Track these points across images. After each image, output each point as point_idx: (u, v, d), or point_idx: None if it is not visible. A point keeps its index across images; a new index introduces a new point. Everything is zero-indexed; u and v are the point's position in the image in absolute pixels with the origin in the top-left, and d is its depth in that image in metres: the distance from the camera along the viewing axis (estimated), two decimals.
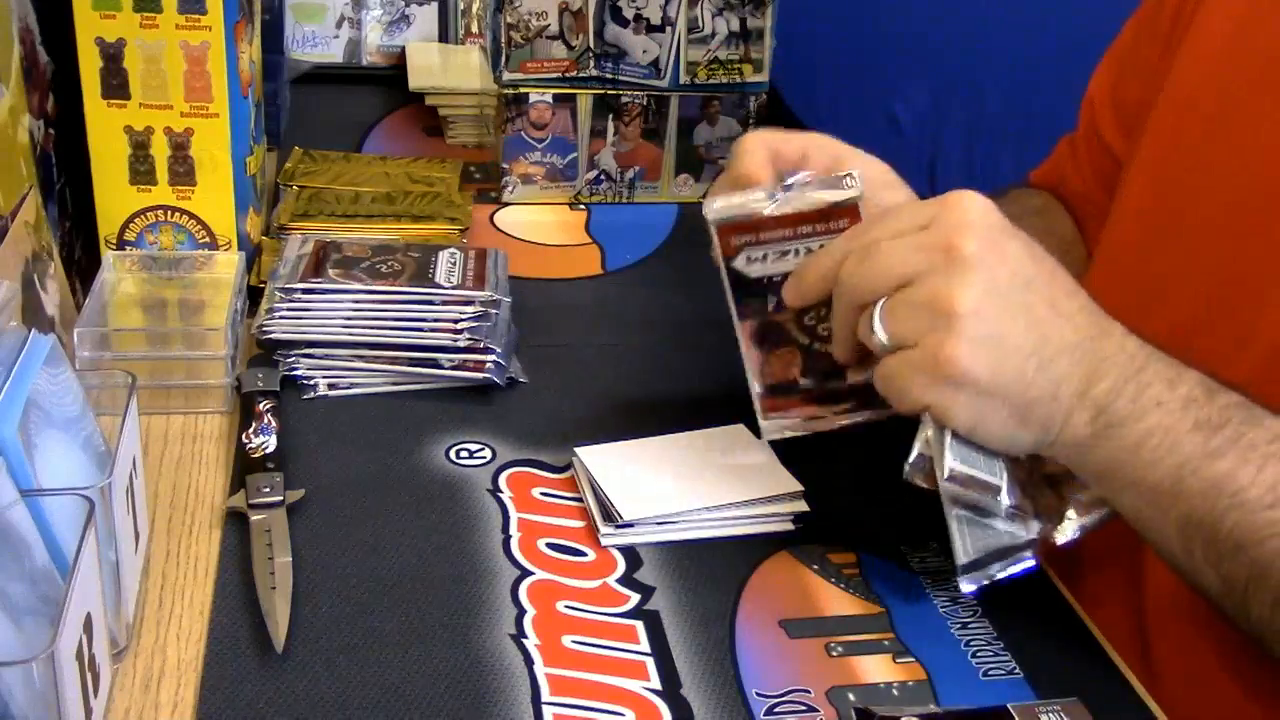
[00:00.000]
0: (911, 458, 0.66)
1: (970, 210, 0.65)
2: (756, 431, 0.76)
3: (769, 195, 0.71)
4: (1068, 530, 0.68)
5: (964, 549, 0.66)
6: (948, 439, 0.65)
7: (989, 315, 0.63)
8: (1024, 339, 0.64)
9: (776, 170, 0.74)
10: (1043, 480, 0.70)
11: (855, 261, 0.66)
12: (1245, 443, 0.63)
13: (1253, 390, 0.66)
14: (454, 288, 0.90)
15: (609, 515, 0.74)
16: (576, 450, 0.79)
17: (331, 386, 0.86)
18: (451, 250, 0.95)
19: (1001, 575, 0.67)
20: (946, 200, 0.65)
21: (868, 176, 0.73)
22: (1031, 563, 0.67)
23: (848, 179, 0.71)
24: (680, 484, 0.77)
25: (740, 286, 0.73)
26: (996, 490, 0.66)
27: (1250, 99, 0.78)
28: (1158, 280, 0.81)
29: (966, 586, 0.67)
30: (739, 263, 0.72)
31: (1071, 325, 0.65)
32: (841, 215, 0.70)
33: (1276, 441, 0.64)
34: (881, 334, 0.65)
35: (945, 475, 0.65)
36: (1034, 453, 0.67)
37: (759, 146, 0.75)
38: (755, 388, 0.74)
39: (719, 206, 0.72)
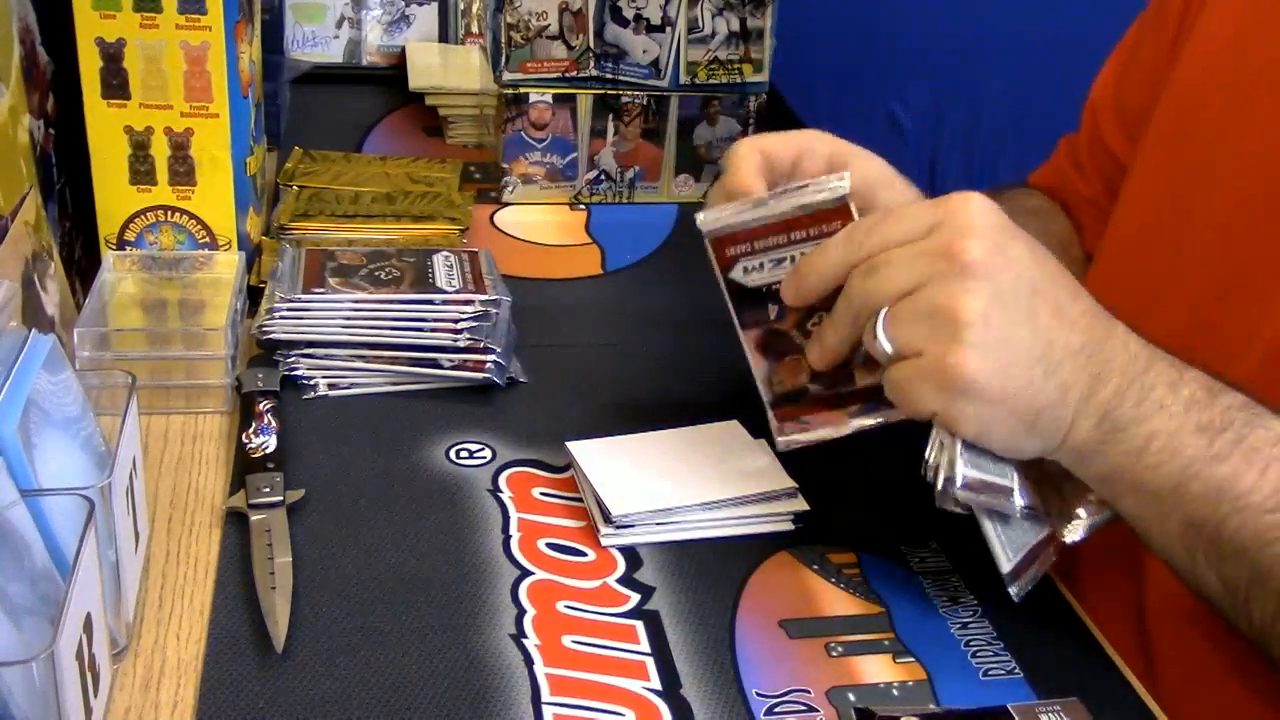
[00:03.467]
0: (929, 465, 0.66)
1: (973, 213, 0.64)
2: (763, 437, 0.76)
3: (756, 203, 0.70)
4: (1077, 529, 0.69)
5: (1005, 555, 0.66)
6: (959, 446, 0.65)
7: (995, 322, 0.62)
8: (1030, 345, 0.63)
9: (771, 177, 0.73)
10: (1047, 478, 0.69)
11: (861, 276, 0.66)
12: (1248, 445, 0.63)
13: (1255, 390, 0.65)
14: (456, 291, 0.90)
15: (604, 513, 0.74)
16: (569, 445, 0.79)
17: (331, 386, 0.86)
18: (445, 254, 0.95)
19: (1039, 576, 0.68)
20: (949, 203, 0.64)
21: (867, 175, 0.72)
22: (1053, 559, 0.68)
23: (835, 180, 0.70)
24: (672, 480, 0.77)
25: (740, 297, 0.72)
26: (1009, 492, 0.66)
27: (1254, 100, 0.78)
28: (1161, 280, 0.81)
29: (1016, 591, 0.67)
30: (736, 274, 0.71)
31: (1077, 329, 0.64)
32: (834, 217, 0.69)
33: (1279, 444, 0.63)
34: (885, 343, 0.64)
35: (959, 483, 0.65)
36: (1040, 457, 0.67)
37: (751, 153, 0.74)
38: (765, 397, 0.73)
39: (708, 218, 0.71)
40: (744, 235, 0.71)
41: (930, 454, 0.66)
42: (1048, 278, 0.65)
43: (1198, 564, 0.65)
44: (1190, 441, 0.63)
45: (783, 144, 0.74)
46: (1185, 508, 0.64)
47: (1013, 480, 0.66)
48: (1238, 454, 0.63)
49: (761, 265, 0.71)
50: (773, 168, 0.74)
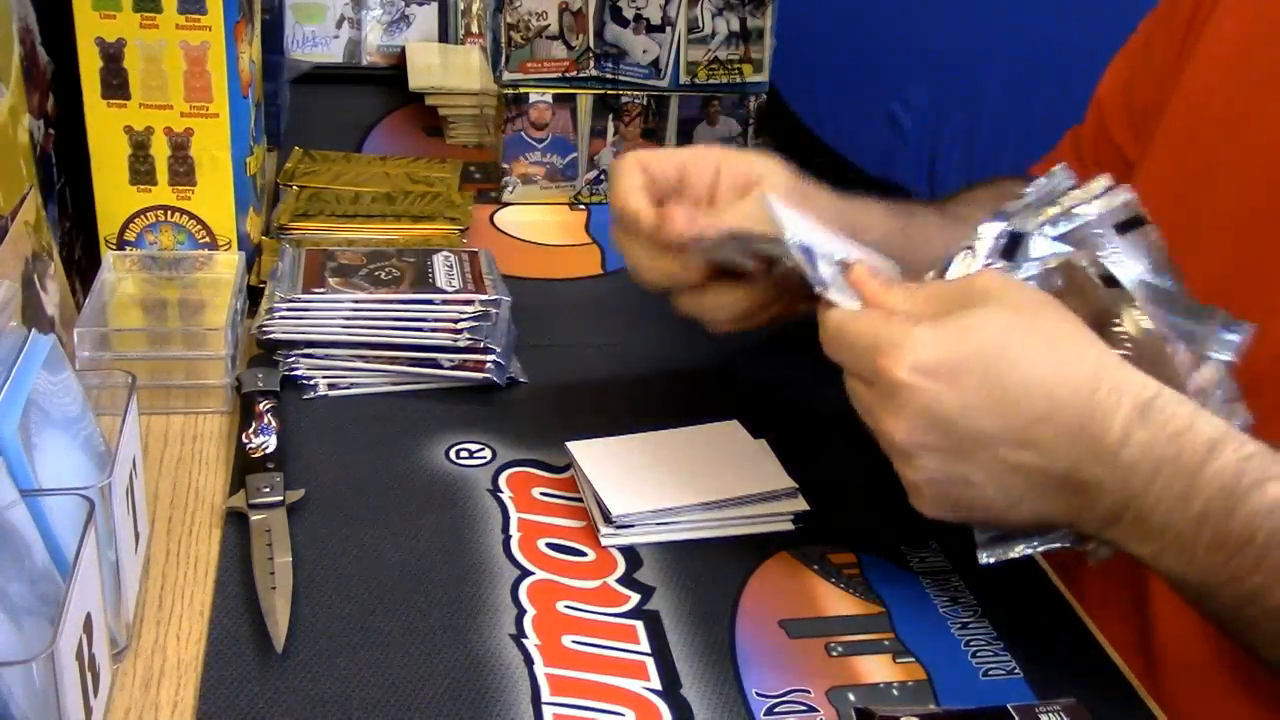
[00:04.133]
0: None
1: (900, 381, 0.60)
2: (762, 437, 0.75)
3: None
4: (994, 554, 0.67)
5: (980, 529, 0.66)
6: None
7: (939, 486, 0.62)
8: (983, 498, 0.62)
9: (655, 193, 0.77)
10: None
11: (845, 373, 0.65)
12: (1272, 562, 0.58)
13: (1262, 392, 0.65)
14: (455, 291, 0.90)
15: (604, 513, 0.74)
16: (569, 445, 0.79)
17: (331, 386, 0.86)
18: (445, 253, 0.95)
19: (1028, 550, 0.66)
20: (882, 359, 0.60)
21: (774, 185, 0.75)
22: (1062, 544, 0.66)
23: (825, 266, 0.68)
24: (672, 480, 0.77)
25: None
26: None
27: (1262, 102, 0.78)
28: None
29: (985, 559, 0.66)
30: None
31: (1047, 461, 0.60)
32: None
33: None
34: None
35: (982, 563, 0.66)
36: None
37: (633, 171, 0.77)
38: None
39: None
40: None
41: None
42: (1004, 412, 0.60)
43: (1230, 636, 0.64)
44: (1204, 559, 0.59)
45: (665, 159, 0.78)
46: (1209, 605, 0.62)
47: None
48: (1260, 572, 0.58)
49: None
50: (656, 183, 0.78)
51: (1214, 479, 0.58)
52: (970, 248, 0.68)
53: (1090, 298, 0.65)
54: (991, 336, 0.60)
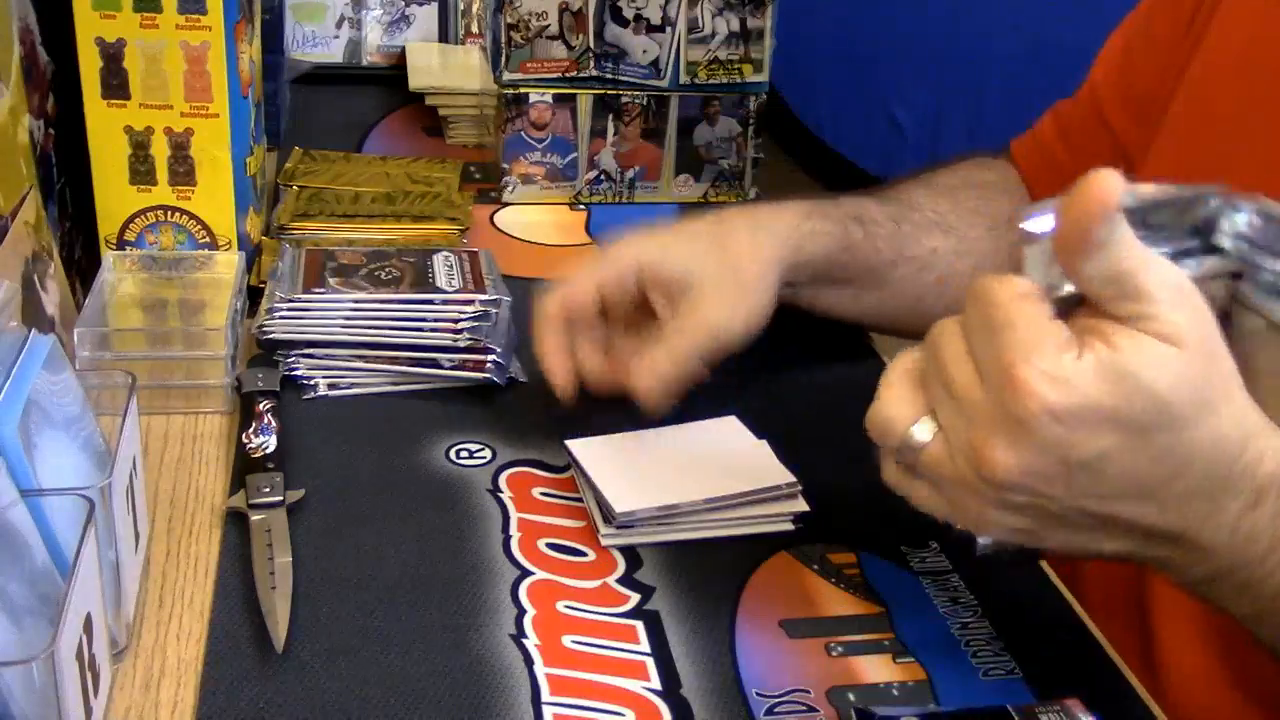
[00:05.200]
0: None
1: (1039, 423, 0.50)
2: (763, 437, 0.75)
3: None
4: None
5: None
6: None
7: (1014, 530, 0.55)
8: (1064, 541, 0.55)
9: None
10: None
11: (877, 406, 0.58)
12: None
13: None
14: (455, 291, 0.90)
15: (606, 512, 0.74)
16: (568, 443, 0.79)
17: (331, 386, 0.86)
18: (445, 253, 0.95)
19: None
20: (1022, 385, 0.50)
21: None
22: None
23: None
24: (673, 476, 0.77)
25: None
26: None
27: (1270, 101, 0.78)
28: None
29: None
30: None
31: (1163, 517, 0.53)
32: None
33: None
34: (918, 438, 0.57)
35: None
36: None
37: (554, 329, 0.81)
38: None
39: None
40: None
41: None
42: (1141, 471, 0.52)
43: None
44: None
45: (582, 294, 0.81)
46: None
47: None
48: None
49: None
50: (580, 325, 0.81)
51: None
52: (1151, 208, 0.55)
53: (1245, 333, 0.56)
54: (1158, 393, 0.51)
